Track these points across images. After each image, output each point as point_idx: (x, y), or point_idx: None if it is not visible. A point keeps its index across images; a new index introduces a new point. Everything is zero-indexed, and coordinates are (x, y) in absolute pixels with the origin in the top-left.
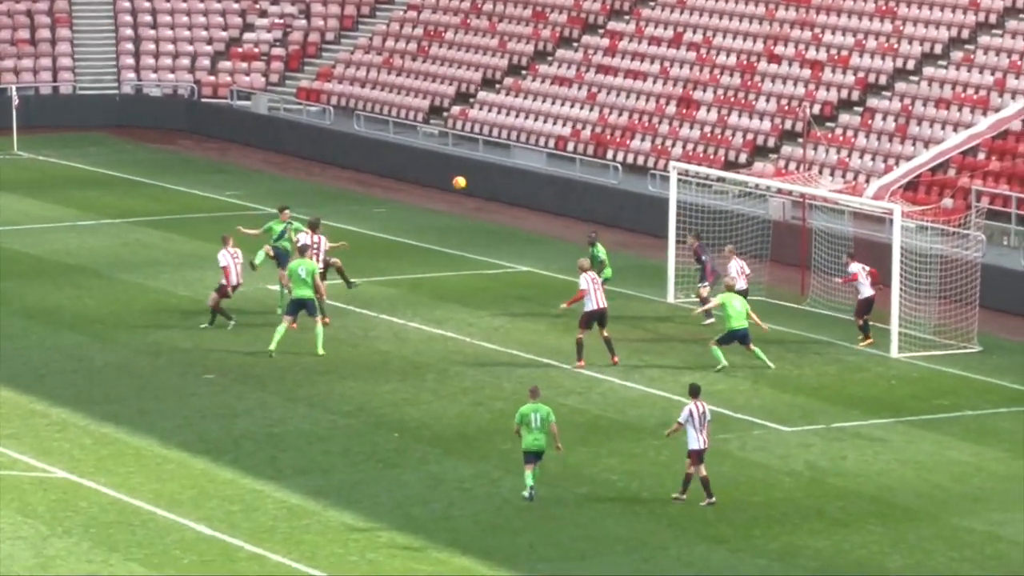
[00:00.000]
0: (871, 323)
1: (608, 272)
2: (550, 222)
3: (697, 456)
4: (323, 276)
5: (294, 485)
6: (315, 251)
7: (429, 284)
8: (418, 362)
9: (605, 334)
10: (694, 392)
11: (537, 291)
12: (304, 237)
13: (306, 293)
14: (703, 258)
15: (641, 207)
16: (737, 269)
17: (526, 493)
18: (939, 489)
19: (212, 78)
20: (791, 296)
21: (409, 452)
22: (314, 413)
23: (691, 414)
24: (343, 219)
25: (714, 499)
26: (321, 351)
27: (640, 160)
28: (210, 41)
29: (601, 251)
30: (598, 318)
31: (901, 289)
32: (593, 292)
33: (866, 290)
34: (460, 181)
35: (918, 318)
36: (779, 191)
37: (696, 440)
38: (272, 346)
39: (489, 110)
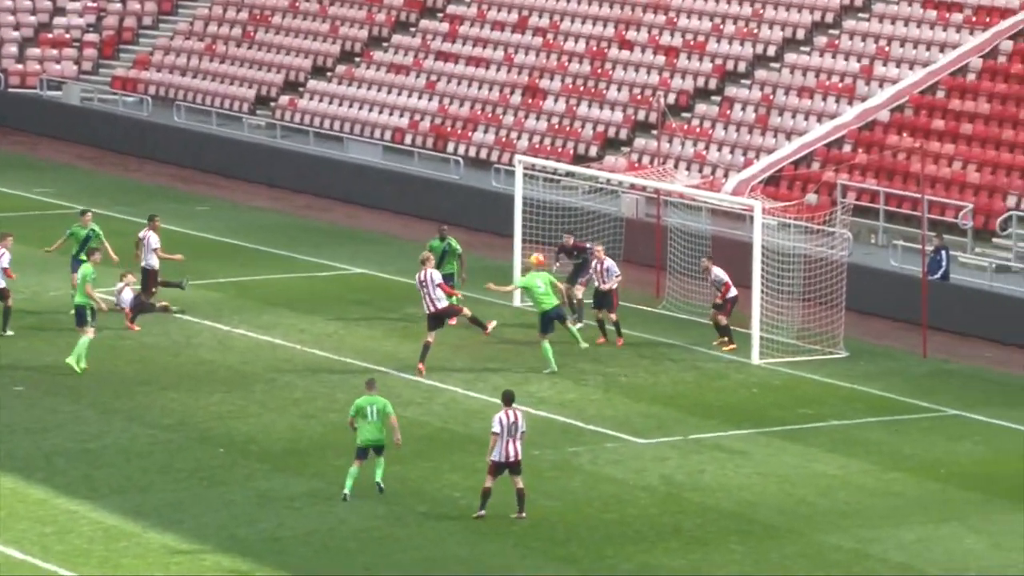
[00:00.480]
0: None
1: (454, 267)
2: (387, 220)
3: (496, 468)
4: (151, 284)
5: (111, 505)
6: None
7: (256, 287)
8: (245, 371)
9: (429, 339)
10: (507, 400)
11: (373, 295)
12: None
13: (80, 300)
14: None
15: (485, 204)
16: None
17: (346, 492)
18: (803, 504)
19: (20, 66)
20: (645, 298)
21: (236, 468)
22: (132, 427)
23: (501, 423)
24: (163, 218)
25: (524, 515)
26: (80, 366)
27: (483, 154)
28: (17, 26)
29: (456, 244)
30: (440, 319)
31: (763, 291)
32: (425, 293)
33: (734, 289)
34: (536, 258)
35: (780, 322)
36: (632, 187)
37: (499, 452)
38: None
39: (320, 100)
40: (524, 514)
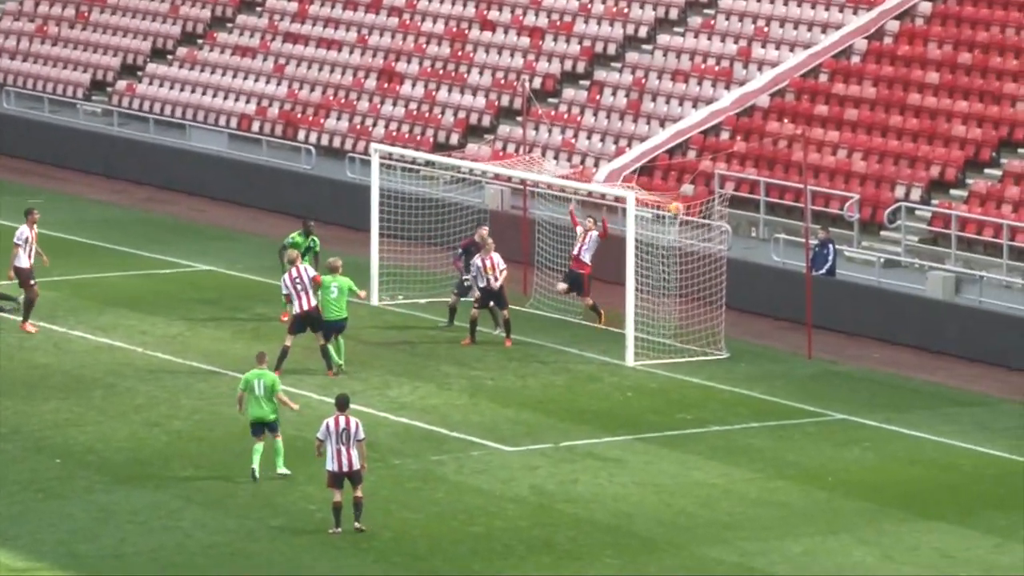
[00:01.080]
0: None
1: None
2: (234, 214)
3: (334, 479)
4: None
5: None
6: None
7: (94, 286)
8: (83, 376)
9: (322, 343)
10: (340, 404)
11: (221, 293)
12: (24, 231)
13: None
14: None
15: (339, 196)
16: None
17: (254, 468)
18: (683, 515)
19: None
20: (512, 296)
21: (74, 480)
22: None
23: (328, 429)
24: None
25: (362, 525)
26: None
27: (337, 142)
28: None
29: (317, 242)
30: (311, 323)
31: (637, 288)
32: (302, 291)
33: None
34: (676, 207)
35: (656, 321)
36: (496, 177)
37: (332, 461)
38: None
39: (160, 85)
40: (362, 524)
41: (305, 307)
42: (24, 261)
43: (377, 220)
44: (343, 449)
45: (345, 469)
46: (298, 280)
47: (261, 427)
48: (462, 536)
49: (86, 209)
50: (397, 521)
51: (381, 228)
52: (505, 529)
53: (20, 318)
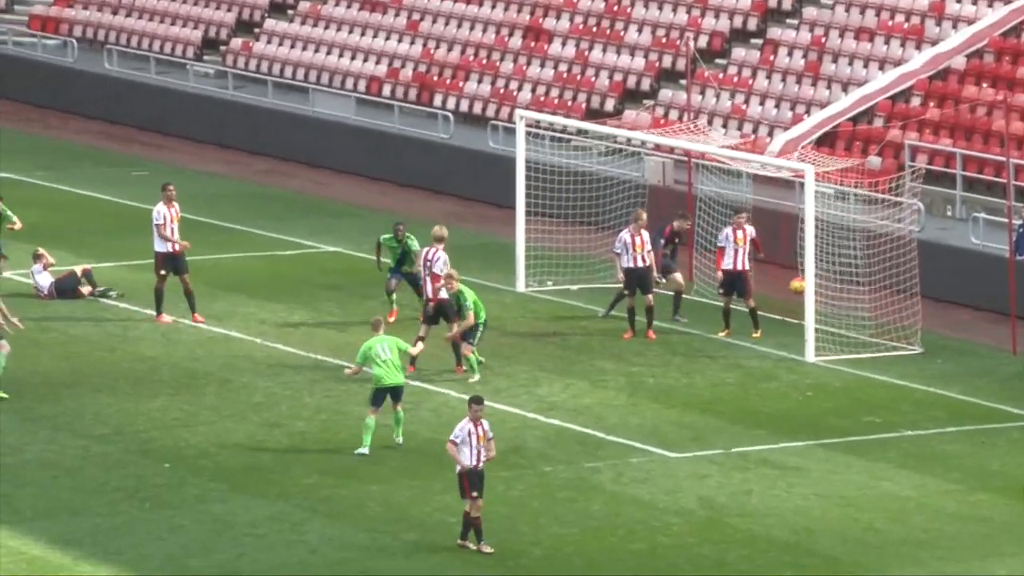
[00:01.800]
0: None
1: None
2: (362, 188)
3: (477, 479)
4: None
5: (36, 531)
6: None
7: (206, 270)
8: (194, 371)
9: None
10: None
11: (347, 277)
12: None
13: None
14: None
15: (479, 168)
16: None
17: (363, 451)
18: (871, 532)
19: None
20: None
21: (185, 488)
22: (60, 438)
23: (469, 434)
24: (90, 185)
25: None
26: None
27: (477, 108)
28: None
29: (414, 244)
30: (443, 313)
31: (817, 274)
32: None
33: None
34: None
35: (840, 311)
36: (657, 147)
37: (472, 458)
38: None
39: (280, 43)
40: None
41: (429, 296)
42: (160, 244)
43: (523, 196)
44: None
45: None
46: (429, 262)
47: (384, 395)
48: (621, 554)
49: (196, 182)
50: (548, 537)
51: (527, 205)
52: (670, 546)
53: (124, 304)
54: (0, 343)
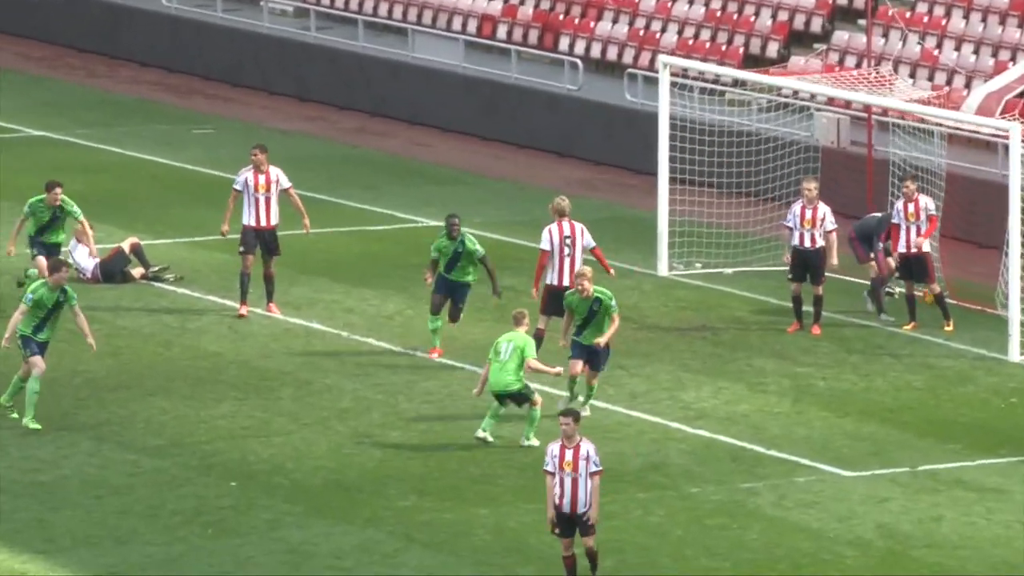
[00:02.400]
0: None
1: (471, 275)
2: (471, 150)
3: (562, 524)
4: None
5: (76, 561)
6: None
7: (283, 248)
8: (267, 370)
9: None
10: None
11: None
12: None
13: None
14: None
15: (613, 126)
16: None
17: (482, 435)
18: None
19: None
20: (849, 262)
21: (255, 510)
22: (104, 451)
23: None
24: (143, 146)
25: None
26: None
27: (611, 53)
28: None
29: (472, 243)
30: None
31: None
32: (558, 257)
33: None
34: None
35: None
36: (830, 101)
37: (558, 497)
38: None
39: None
40: None
41: (555, 280)
42: (248, 216)
43: (666, 160)
44: (568, 481)
45: (568, 510)
46: (570, 240)
47: (503, 399)
48: None
49: (270, 141)
50: (696, 571)
51: (672, 171)
52: None
53: (182, 288)
54: (33, 359)
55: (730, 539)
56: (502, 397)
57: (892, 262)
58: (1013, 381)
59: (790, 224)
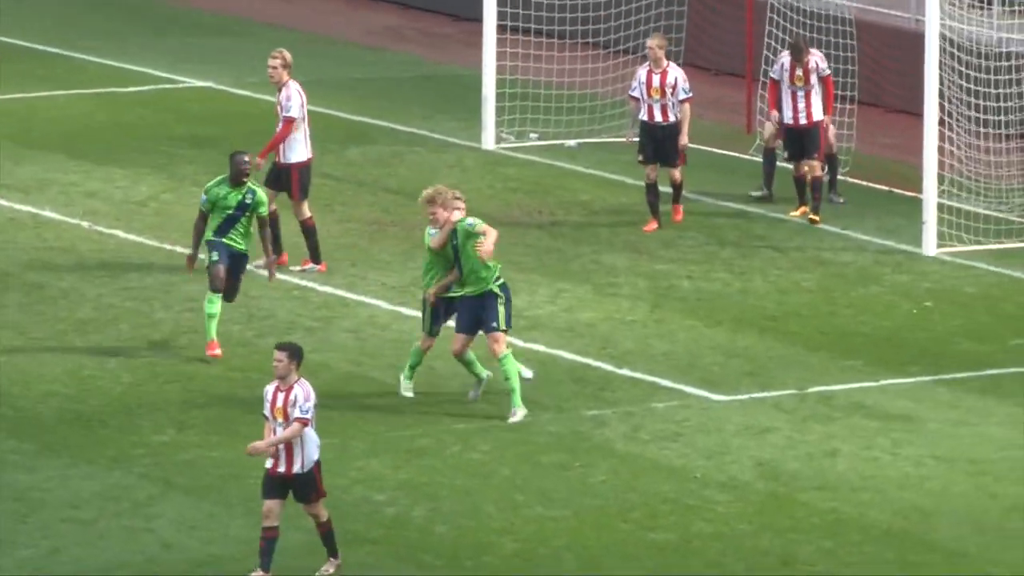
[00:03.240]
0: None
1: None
2: None
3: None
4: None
5: None
6: None
7: (5, 116)
8: None
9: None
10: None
11: (224, 127)
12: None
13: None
14: None
15: None
16: None
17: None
18: (1017, 514)
19: None
20: (724, 136)
21: None
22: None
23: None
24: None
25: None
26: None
27: None
28: None
29: (262, 195)
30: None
31: (946, 122)
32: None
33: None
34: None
35: (979, 180)
36: None
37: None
38: None
39: None
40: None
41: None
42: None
43: (494, 1)
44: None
45: (283, 469)
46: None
47: None
48: (637, 548)
49: None
50: (527, 522)
51: (501, 16)
52: (713, 536)
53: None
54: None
55: (571, 481)
56: None
57: (772, 127)
58: (928, 280)
59: (636, 94)
